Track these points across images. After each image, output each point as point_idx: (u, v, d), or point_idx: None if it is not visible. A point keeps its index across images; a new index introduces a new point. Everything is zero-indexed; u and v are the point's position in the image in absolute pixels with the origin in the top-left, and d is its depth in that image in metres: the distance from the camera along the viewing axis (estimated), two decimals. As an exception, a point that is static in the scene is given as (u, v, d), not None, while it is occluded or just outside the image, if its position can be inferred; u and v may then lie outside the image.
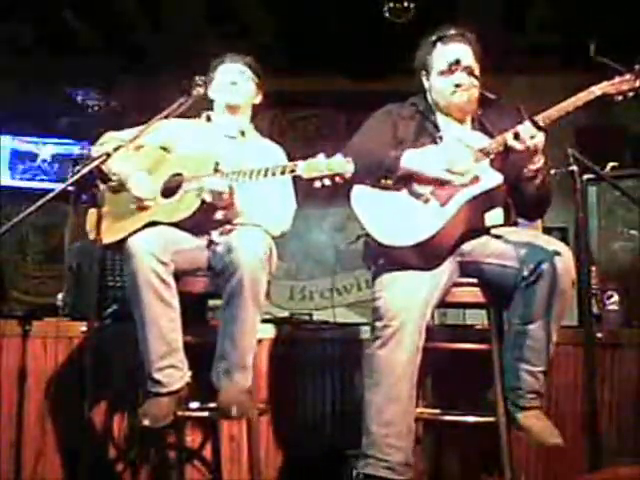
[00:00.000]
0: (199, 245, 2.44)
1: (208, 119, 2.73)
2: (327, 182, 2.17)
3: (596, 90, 2.16)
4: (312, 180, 2.18)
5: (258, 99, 2.76)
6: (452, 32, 2.39)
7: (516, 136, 2.16)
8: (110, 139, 2.59)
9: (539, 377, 2.17)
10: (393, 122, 2.42)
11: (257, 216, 2.47)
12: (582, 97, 2.17)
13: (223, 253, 2.29)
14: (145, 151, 2.59)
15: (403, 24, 4.34)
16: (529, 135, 2.13)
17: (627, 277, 3.07)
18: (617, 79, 2.15)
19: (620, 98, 2.16)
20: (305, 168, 2.19)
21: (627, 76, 2.13)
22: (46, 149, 4.17)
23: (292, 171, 2.23)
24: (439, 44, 2.40)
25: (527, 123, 2.12)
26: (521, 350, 2.17)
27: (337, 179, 2.16)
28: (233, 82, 2.64)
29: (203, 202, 2.38)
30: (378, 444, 2.11)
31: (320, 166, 2.17)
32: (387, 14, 4.34)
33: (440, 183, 2.27)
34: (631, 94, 2.15)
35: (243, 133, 2.71)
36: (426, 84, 2.46)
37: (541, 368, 2.17)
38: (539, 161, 2.22)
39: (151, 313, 2.24)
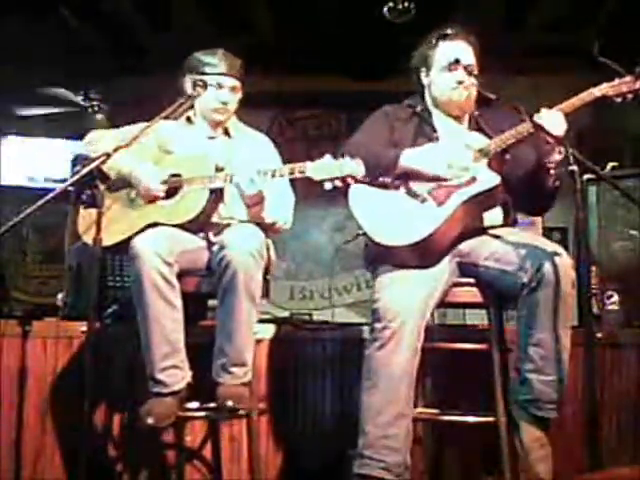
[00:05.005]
0: (201, 246, 2.44)
1: (189, 120, 2.62)
2: (338, 183, 2.16)
3: (596, 91, 2.17)
4: (321, 182, 2.16)
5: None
6: (455, 30, 2.41)
7: (540, 127, 2.12)
8: (100, 137, 2.56)
9: (555, 386, 2.11)
10: (390, 124, 2.42)
11: (269, 214, 2.46)
12: (582, 97, 2.18)
13: (217, 251, 2.29)
14: (137, 149, 2.47)
15: (403, 24, 4.35)
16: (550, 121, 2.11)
17: (627, 277, 3.07)
18: (617, 81, 2.15)
19: (619, 100, 2.16)
20: (314, 169, 2.17)
21: (627, 78, 2.14)
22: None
23: (301, 172, 2.22)
24: (441, 42, 2.41)
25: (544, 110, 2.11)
26: (533, 361, 2.13)
27: (349, 180, 2.15)
28: (224, 102, 2.53)
29: (207, 203, 2.38)
30: (375, 445, 2.10)
31: (331, 168, 2.15)
32: (387, 14, 4.35)
33: (439, 181, 2.27)
34: (630, 96, 2.15)
35: (227, 133, 2.62)
36: (425, 81, 2.46)
37: (554, 377, 2.11)
38: (561, 153, 2.18)
39: (155, 313, 2.23)
